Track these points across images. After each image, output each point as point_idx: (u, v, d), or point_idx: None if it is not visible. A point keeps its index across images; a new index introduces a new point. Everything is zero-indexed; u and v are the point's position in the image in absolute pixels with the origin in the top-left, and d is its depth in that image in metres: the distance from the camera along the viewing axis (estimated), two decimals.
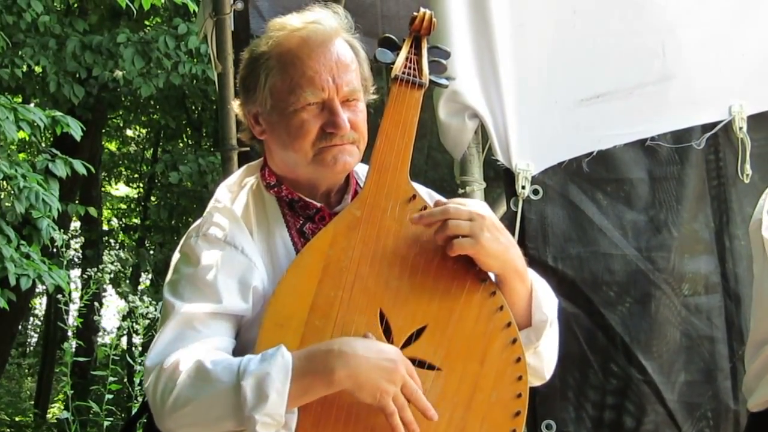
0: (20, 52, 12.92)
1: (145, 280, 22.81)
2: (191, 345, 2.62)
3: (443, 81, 3.02)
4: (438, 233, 2.70)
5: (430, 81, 2.95)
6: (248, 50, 2.98)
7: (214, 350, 2.61)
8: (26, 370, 29.13)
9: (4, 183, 9.97)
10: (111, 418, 7.88)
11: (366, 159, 2.90)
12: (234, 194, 2.94)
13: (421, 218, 2.73)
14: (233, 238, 2.79)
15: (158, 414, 2.59)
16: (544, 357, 2.89)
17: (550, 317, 2.83)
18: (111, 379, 7.55)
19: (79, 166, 10.02)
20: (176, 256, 2.88)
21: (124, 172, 23.99)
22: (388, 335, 2.63)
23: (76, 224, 20.32)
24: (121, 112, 19.70)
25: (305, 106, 2.80)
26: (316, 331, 2.61)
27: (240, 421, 2.47)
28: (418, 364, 2.62)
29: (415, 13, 3.02)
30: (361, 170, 2.98)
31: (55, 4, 14.16)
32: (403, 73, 2.91)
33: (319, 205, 2.89)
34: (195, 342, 2.63)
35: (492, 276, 2.78)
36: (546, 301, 2.85)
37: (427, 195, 2.93)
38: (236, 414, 2.46)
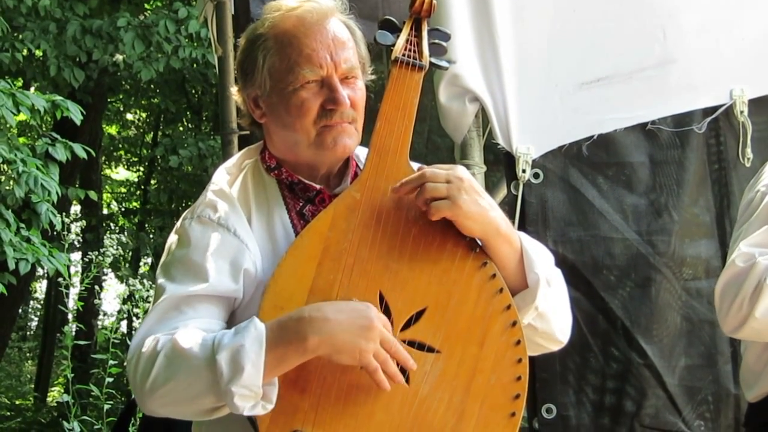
0: (21, 36, 12.91)
1: (145, 263, 22.85)
2: (171, 327, 2.63)
3: (444, 63, 3.02)
4: (417, 197, 2.70)
5: (431, 63, 2.94)
6: (245, 35, 2.98)
7: (192, 329, 2.61)
8: (26, 354, 29.18)
9: (4, 167, 9.95)
10: (111, 402, 7.91)
11: (365, 142, 2.90)
12: (233, 177, 2.93)
13: (401, 186, 2.73)
14: (226, 220, 2.79)
15: (139, 396, 2.60)
16: (550, 318, 2.84)
17: (542, 275, 2.78)
18: (111, 362, 7.56)
19: (80, 150, 10.02)
20: (171, 238, 2.88)
21: (124, 156, 24.01)
22: (387, 318, 2.61)
23: (76, 208, 20.35)
24: (121, 96, 19.71)
25: (304, 84, 2.80)
26: None
27: (218, 395, 2.48)
28: (418, 346, 2.62)
29: None
30: (361, 153, 2.97)
31: None
32: (404, 55, 2.91)
33: (318, 187, 2.89)
34: (177, 323, 2.64)
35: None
36: (538, 260, 2.81)
37: None
38: (214, 389, 2.47)
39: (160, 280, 2.76)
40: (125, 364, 2.67)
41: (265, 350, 2.46)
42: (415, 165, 2.88)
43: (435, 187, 2.68)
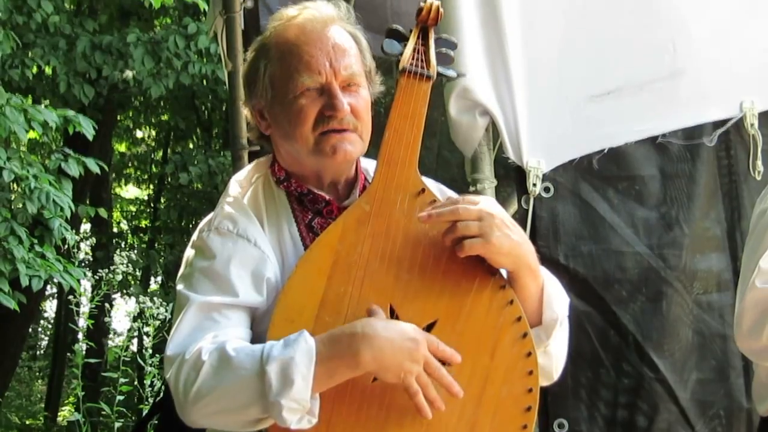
0: (30, 53, 12.96)
1: (156, 282, 22.87)
2: (211, 335, 2.62)
3: (451, 73, 3.01)
4: (447, 235, 2.68)
5: (438, 73, 2.94)
6: (251, 48, 3.00)
7: (234, 339, 2.60)
8: (37, 373, 29.20)
9: (14, 185, 9.98)
10: (122, 420, 7.90)
11: (373, 155, 2.89)
12: (244, 189, 2.93)
13: (429, 217, 2.70)
14: (245, 231, 2.78)
15: (181, 405, 2.58)
16: (553, 357, 2.86)
17: (561, 316, 2.80)
18: (122, 380, 7.57)
19: (93, 165, 10.05)
20: (189, 251, 2.87)
21: (134, 174, 24.03)
22: None
23: (86, 226, 20.38)
24: (131, 113, 19.74)
25: (304, 92, 2.80)
26: (326, 327, 2.59)
27: (265, 407, 2.47)
28: None
29: (422, 4, 3.00)
30: (370, 166, 2.96)
31: (65, 4, 14.17)
32: (411, 65, 2.89)
33: (328, 197, 2.88)
34: (212, 332, 2.63)
35: (504, 272, 2.76)
36: (557, 299, 2.82)
37: (437, 189, 2.91)
38: (261, 400, 2.46)
39: (184, 291, 2.74)
40: (167, 377, 2.65)
41: (316, 364, 2.46)
42: (431, 182, 2.88)
43: (467, 225, 2.66)
